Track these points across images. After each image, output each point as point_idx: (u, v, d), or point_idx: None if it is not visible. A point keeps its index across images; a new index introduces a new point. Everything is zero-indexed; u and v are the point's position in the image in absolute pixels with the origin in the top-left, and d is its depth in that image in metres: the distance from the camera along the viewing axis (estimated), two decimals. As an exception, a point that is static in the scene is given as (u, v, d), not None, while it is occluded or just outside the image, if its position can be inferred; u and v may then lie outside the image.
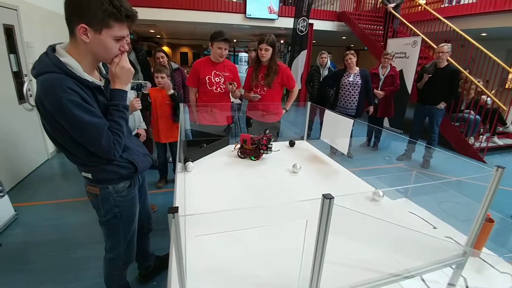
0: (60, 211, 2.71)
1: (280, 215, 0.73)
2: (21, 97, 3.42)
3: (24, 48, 3.49)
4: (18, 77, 3.42)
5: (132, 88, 2.07)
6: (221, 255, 0.84)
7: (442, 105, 3.81)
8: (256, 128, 2.66)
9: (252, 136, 1.81)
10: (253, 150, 1.80)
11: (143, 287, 1.86)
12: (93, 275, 1.89)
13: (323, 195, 0.55)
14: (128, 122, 1.18)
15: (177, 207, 0.49)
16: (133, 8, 1.04)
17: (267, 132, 1.84)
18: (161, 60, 3.42)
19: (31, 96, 3.57)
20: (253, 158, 1.80)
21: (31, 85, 3.58)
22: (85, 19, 0.93)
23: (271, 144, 1.82)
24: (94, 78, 1.05)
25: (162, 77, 2.74)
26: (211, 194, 1.38)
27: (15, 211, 2.55)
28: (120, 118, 1.08)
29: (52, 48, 1.01)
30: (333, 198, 0.54)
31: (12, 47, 3.32)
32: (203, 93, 2.54)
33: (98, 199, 1.22)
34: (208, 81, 2.45)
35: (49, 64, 0.95)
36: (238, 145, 1.87)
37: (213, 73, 2.45)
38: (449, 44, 3.76)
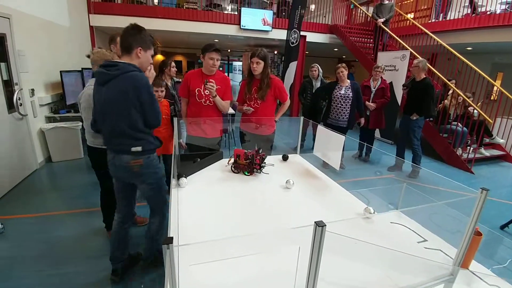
0: (49, 224, 2.65)
1: (273, 242, 0.74)
2: (11, 106, 3.37)
3: (16, 56, 3.46)
4: (8, 86, 3.37)
5: None
6: (213, 282, 0.84)
7: (413, 117, 3.96)
8: (250, 141, 2.68)
9: (245, 151, 1.82)
10: (246, 165, 1.81)
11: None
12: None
13: (315, 222, 0.56)
14: None
15: (172, 238, 0.49)
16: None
17: (260, 151, 1.84)
18: (175, 69, 3.60)
19: (21, 105, 3.53)
20: (246, 173, 1.81)
21: (21, 94, 3.54)
22: (142, 45, 1.63)
23: (265, 163, 1.84)
24: None
25: (162, 91, 2.75)
26: (204, 212, 1.37)
27: (1, 223, 2.49)
28: (156, 102, 1.70)
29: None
30: (325, 225, 0.56)
31: (2, 56, 3.29)
32: (192, 105, 2.51)
33: (142, 167, 1.68)
34: (197, 93, 2.42)
35: (133, 66, 1.59)
36: (232, 160, 1.88)
37: (203, 85, 2.40)
38: (420, 59, 3.94)
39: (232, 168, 1.85)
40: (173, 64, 3.57)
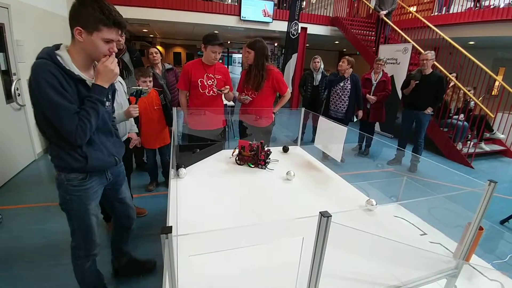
0: (47, 215, 2.63)
1: (276, 233, 0.72)
2: (9, 96, 3.33)
3: (14, 46, 3.41)
4: (6, 76, 3.33)
5: (132, 94, 2.06)
6: (214, 273, 0.82)
7: (429, 110, 3.92)
8: (252, 134, 2.65)
9: (250, 142, 1.78)
10: (251, 157, 1.78)
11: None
12: (81, 283, 1.85)
13: (320, 213, 0.54)
14: (100, 115, 1.24)
15: (171, 227, 0.47)
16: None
17: (265, 146, 1.80)
18: (154, 55, 3.29)
19: (19, 95, 3.49)
20: (251, 165, 1.79)
21: (19, 84, 3.50)
22: (80, 23, 1.12)
23: (269, 159, 1.80)
24: (87, 74, 1.22)
25: (150, 81, 2.70)
26: (204, 202, 1.36)
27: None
28: (90, 108, 1.18)
29: (57, 45, 1.20)
30: (331, 216, 0.54)
31: (1, 46, 3.24)
32: (194, 97, 2.47)
33: (57, 182, 1.32)
34: (200, 84, 2.40)
35: (43, 53, 1.15)
36: (236, 152, 1.84)
37: (205, 76, 2.40)
38: (432, 52, 3.86)
39: (237, 159, 1.82)
40: (150, 50, 3.32)
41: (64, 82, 1.12)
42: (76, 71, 1.17)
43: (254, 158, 1.78)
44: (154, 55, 3.30)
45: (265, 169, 1.78)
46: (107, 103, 1.34)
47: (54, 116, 1.13)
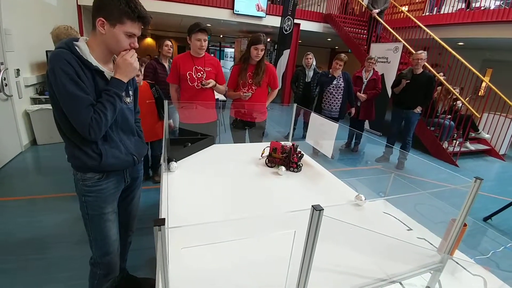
0: (33, 208, 2.59)
1: (268, 226, 0.72)
2: (-5, 87, 3.25)
3: (2, 35, 3.30)
4: (-7, 65, 3.24)
5: None
6: (206, 265, 0.83)
7: (418, 109, 3.99)
8: (242, 127, 2.64)
9: (282, 144, 1.72)
10: (282, 160, 1.70)
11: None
12: (70, 277, 1.83)
13: (312, 206, 0.55)
14: (117, 109, 1.18)
15: (164, 219, 0.47)
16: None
17: (297, 147, 1.72)
18: (170, 49, 3.36)
19: (6, 85, 3.39)
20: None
21: (6, 74, 3.39)
22: (104, 14, 1.09)
23: (301, 164, 1.73)
24: (106, 68, 1.18)
25: (137, 76, 2.65)
26: (195, 196, 1.36)
27: (-17, 207, 2.42)
28: (106, 101, 1.14)
29: (76, 38, 1.16)
30: (323, 209, 0.55)
31: (-12, 35, 3.16)
32: (184, 90, 2.44)
33: (74, 182, 1.27)
34: (189, 77, 2.36)
35: (62, 43, 1.10)
36: (266, 153, 1.77)
37: (194, 68, 2.36)
38: (425, 52, 3.93)
39: (266, 161, 1.75)
40: (166, 43, 3.36)
41: (81, 72, 1.08)
42: (94, 62, 1.13)
43: (285, 160, 1.70)
44: (170, 48, 3.37)
45: (296, 172, 1.70)
46: (128, 100, 1.30)
47: (68, 106, 1.07)
